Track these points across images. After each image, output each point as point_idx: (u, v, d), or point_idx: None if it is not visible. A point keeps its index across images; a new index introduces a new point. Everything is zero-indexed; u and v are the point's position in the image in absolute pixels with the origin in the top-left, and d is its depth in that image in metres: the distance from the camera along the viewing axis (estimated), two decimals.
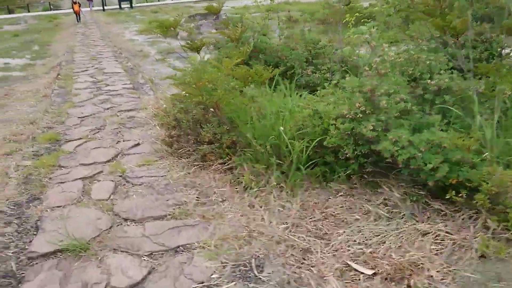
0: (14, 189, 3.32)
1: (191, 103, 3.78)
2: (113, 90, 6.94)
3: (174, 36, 17.15)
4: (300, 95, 3.91)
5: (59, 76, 8.61)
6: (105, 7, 36.86)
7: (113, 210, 2.93)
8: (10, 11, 36.96)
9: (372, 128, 2.61)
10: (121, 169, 3.63)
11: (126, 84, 7.51)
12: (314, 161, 3.01)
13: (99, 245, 2.49)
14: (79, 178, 3.47)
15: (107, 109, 5.80)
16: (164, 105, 5.50)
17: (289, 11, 13.17)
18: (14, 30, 22.78)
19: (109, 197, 3.13)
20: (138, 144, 4.30)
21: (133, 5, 38.15)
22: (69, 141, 4.49)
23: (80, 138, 4.54)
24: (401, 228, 2.42)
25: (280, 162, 3.07)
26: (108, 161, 3.86)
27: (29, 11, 38.18)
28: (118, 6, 37.75)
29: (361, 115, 2.73)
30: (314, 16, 17.92)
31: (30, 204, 3.08)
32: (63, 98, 6.76)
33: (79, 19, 26.59)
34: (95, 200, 3.10)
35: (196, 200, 2.99)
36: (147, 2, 47.83)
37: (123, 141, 4.41)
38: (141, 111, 5.66)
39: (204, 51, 5.49)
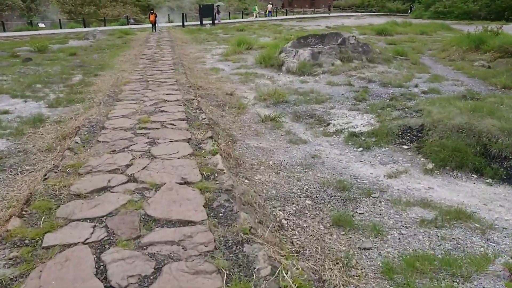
0: None
1: None
2: None
3: (276, 67, 10.75)
4: None
5: (23, 214, 2.93)
6: (185, 23, 32.66)
7: None
8: (85, 24, 34.06)
9: None
10: None
11: None
12: None
13: None
14: None
15: None
16: None
17: None
18: (77, 46, 18.60)
19: None
20: None
21: (215, 22, 33.65)
22: None
23: None
24: None
25: None
26: None
27: (105, 25, 35.12)
28: (198, 23, 33.41)
29: None
30: None
31: None
32: None
33: (155, 29, 27.13)
34: None
35: None
36: (230, 18, 43.60)
37: None
38: None
39: None
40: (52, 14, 41.98)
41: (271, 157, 5.05)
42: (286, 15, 52.56)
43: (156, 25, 27.63)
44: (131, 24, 35.94)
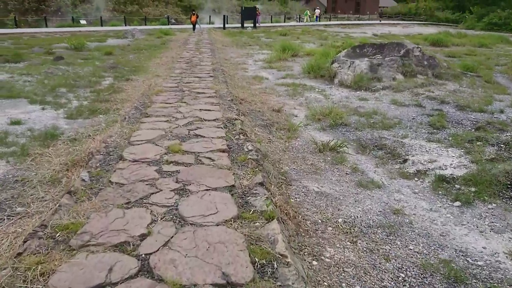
0: None
1: None
2: None
3: (328, 78, 9.58)
4: None
5: None
6: (226, 25, 31.73)
7: None
8: (126, 22, 33.77)
9: None
10: None
11: None
12: None
13: None
14: None
15: None
16: None
17: None
18: (115, 45, 17.94)
19: None
20: None
21: (256, 25, 32.59)
22: None
23: None
24: None
25: None
26: None
27: (146, 24, 34.76)
28: (240, 25, 32.45)
29: None
30: None
31: None
32: None
33: (194, 29, 27.62)
34: None
35: None
36: (271, 22, 42.47)
37: None
38: None
39: None
40: (96, 12, 42.19)
41: (338, 210, 3.74)
42: (329, 20, 50.90)
43: (197, 26, 28.02)
44: (172, 24, 35.46)
